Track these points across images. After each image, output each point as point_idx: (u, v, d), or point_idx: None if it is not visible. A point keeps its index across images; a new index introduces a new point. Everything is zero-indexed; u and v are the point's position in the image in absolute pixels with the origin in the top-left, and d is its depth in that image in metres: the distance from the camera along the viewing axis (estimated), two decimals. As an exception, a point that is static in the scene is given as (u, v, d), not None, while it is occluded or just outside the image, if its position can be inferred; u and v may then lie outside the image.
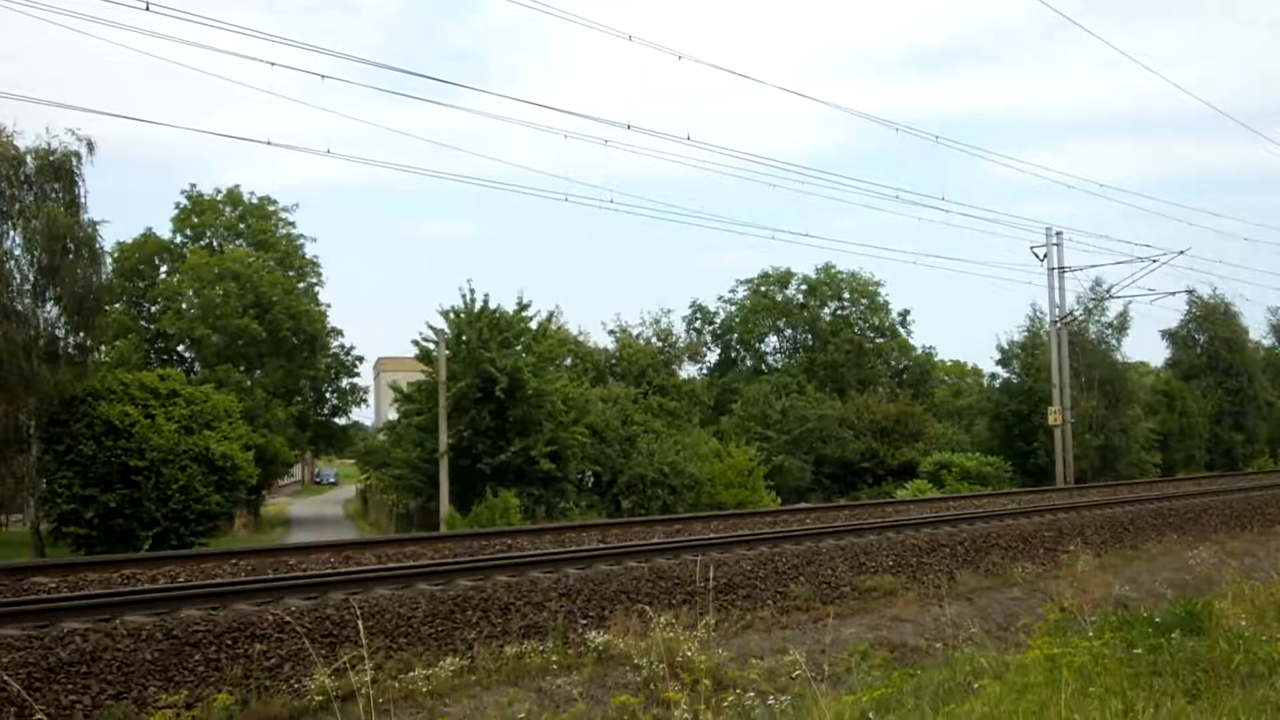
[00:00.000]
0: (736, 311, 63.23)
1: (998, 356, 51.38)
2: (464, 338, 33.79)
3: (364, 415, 64.06)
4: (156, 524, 28.62)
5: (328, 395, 50.67)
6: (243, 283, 42.71)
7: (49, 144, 28.73)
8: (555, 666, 10.29)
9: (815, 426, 48.67)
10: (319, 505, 63.52)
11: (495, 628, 11.37)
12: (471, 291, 35.06)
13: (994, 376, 54.52)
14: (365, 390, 53.61)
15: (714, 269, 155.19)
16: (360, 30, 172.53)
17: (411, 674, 9.59)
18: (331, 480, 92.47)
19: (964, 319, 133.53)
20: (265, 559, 15.68)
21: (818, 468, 48.60)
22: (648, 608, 11.70)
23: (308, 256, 49.09)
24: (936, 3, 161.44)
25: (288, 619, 10.13)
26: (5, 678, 7.89)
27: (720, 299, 63.85)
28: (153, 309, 45.09)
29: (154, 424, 29.26)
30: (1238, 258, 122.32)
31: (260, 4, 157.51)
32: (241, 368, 43.38)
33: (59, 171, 28.89)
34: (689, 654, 10.15)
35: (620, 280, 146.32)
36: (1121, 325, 50.74)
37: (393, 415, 39.99)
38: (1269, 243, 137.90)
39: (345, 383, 50.88)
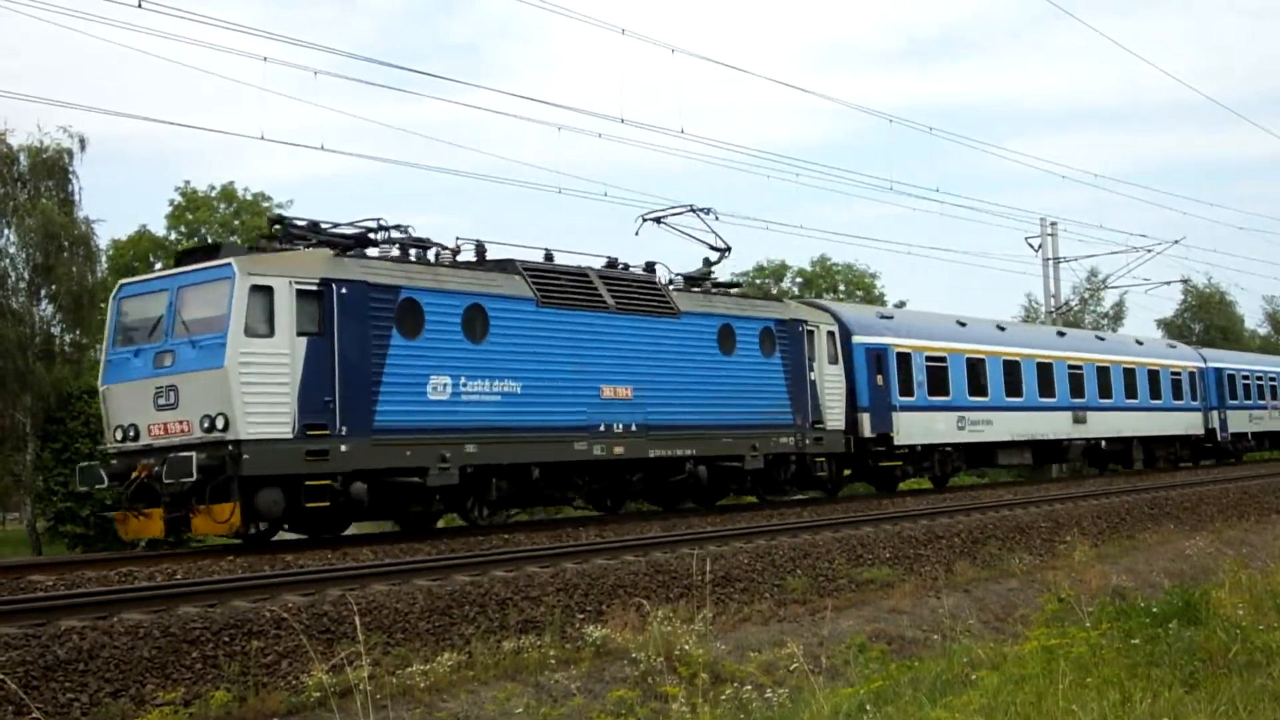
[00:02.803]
0: (732, 304, 63.26)
1: (993, 347, 51.35)
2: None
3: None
4: (153, 521, 28.57)
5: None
6: (238, 279, 42.55)
7: (42, 141, 28.75)
8: (553, 661, 10.26)
9: (812, 419, 48.68)
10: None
11: (493, 623, 11.35)
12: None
13: (990, 367, 54.45)
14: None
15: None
16: (354, 24, 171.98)
17: (409, 670, 9.56)
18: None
19: (959, 310, 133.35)
20: (262, 555, 15.66)
21: (815, 460, 48.58)
22: (645, 602, 11.68)
23: (303, 252, 49.04)
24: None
25: (285, 615, 10.10)
26: (2, 676, 7.87)
27: (716, 292, 63.90)
28: (148, 306, 44.98)
29: (150, 421, 29.19)
30: (1233, 247, 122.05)
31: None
32: (237, 364, 43.22)
33: (52, 169, 28.89)
34: (687, 647, 10.13)
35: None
36: (1117, 315, 50.99)
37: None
38: (1264, 232, 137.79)
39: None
